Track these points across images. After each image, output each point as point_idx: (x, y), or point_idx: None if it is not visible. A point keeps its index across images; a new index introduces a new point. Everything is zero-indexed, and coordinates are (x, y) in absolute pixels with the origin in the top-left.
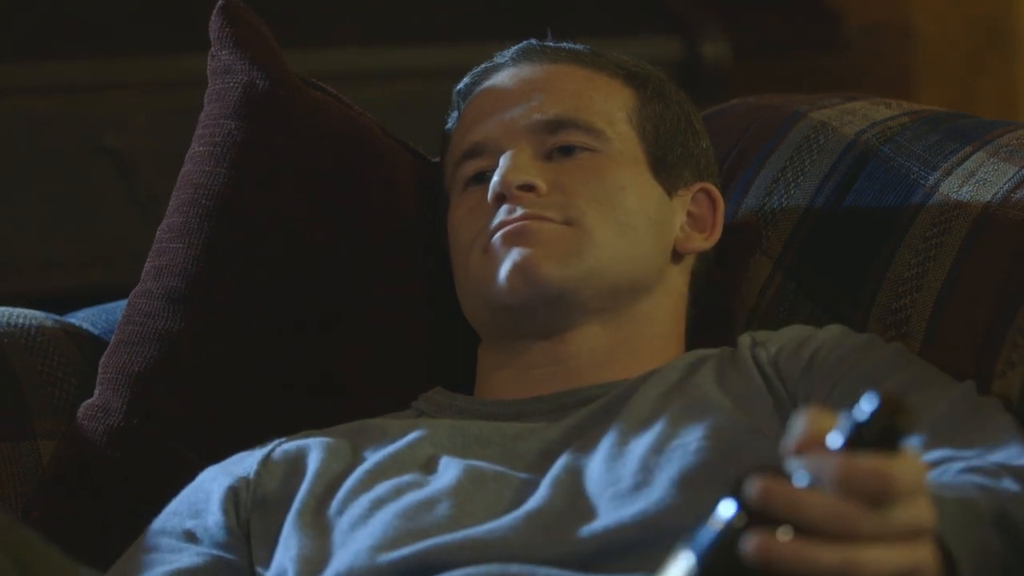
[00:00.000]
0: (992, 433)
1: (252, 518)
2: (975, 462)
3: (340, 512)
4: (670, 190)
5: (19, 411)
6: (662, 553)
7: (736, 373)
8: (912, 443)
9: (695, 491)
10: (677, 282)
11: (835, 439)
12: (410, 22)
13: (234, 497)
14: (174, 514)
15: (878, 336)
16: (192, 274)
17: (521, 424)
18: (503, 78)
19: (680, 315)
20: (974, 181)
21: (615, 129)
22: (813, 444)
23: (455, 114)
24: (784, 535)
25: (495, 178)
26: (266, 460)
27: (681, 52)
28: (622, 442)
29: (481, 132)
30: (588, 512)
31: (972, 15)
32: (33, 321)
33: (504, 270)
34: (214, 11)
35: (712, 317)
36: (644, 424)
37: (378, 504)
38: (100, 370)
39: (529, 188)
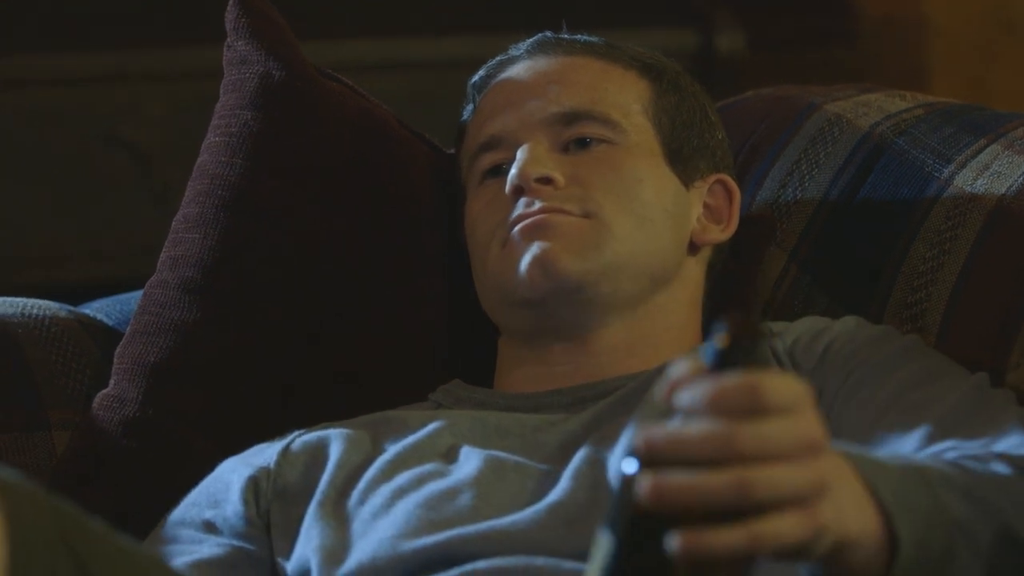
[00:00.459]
0: (1000, 425)
1: (272, 508)
2: (971, 451)
3: (361, 502)
4: (687, 182)
5: (33, 401)
6: None
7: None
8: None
9: None
10: (694, 273)
11: (701, 372)
12: (425, 13)
13: (254, 487)
14: (193, 505)
15: (894, 328)
16: (208, 264)
17: (541, 416)
18: (518, 71)
19: (697, 307)
20: (989, 174)
21: (631, 121)
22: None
23: (470, 107)
24: (674, 474)
25: (513, 170)
26: (286, 451)
27: (696, 44)
28: None
29: (497, 125)
30: None
31: (985, 6)
32: (47, 312)
33: (524, 264)
34: (230, 1)
35: (727, 310)
36: None
37: (400, 493)
38: (115, 360)
39: (547, 181)
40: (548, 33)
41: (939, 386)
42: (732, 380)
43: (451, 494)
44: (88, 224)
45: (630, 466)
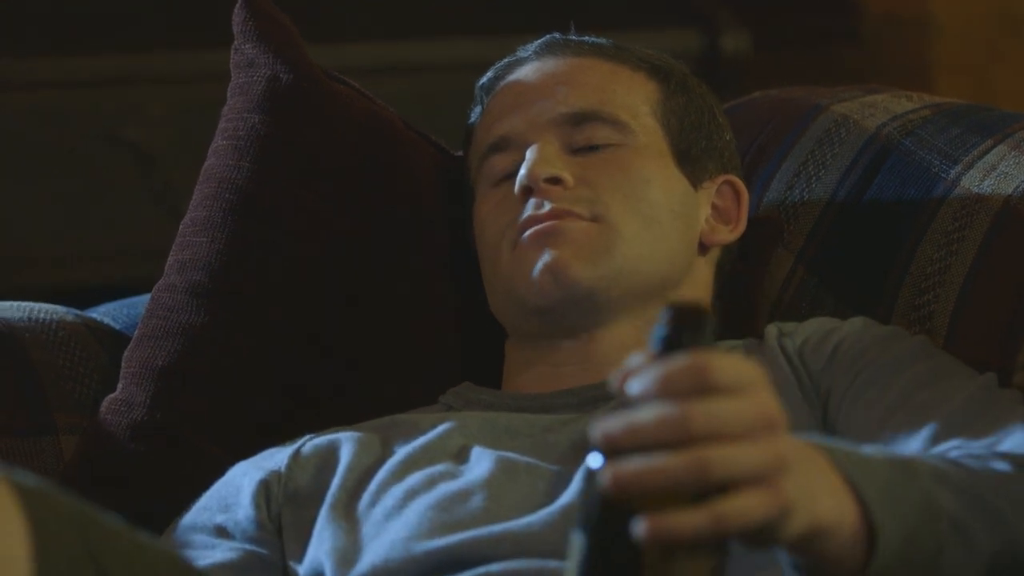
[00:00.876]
0: (1006, 425)
1: (283, 512)
2: (976, 450)
3: (373, 504)
4: (695, 183)
5: (40, 406)
6: None
7: (763, 361)
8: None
9: None
10: (703, 274)
11: (649, 360)
12: (432, 16)
13: (265, 491)
14: (204, 509)
15: (902, 329)
16: (216, 268)
17: (550, 416)
18: (526, 72)
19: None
20: (996, 175)
21: (640, 122)
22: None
23: (478, 109)
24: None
25: (522, 171)
26: (296, 455)
27: (701, 45)
28: None
29: (506, 126)
30: None
31: (990, 6)
32: (54, 316)
33: (535, 272)
34: (237, 4)
35: (734, 312)
36: None
37: (411, 495)
38: (123, 364)
39: (556, 181)
40: (556, 34)
41: (947, 386)
42: (678, 362)
43: (463, 496)
44: (89, 225)
45: (595, 461)
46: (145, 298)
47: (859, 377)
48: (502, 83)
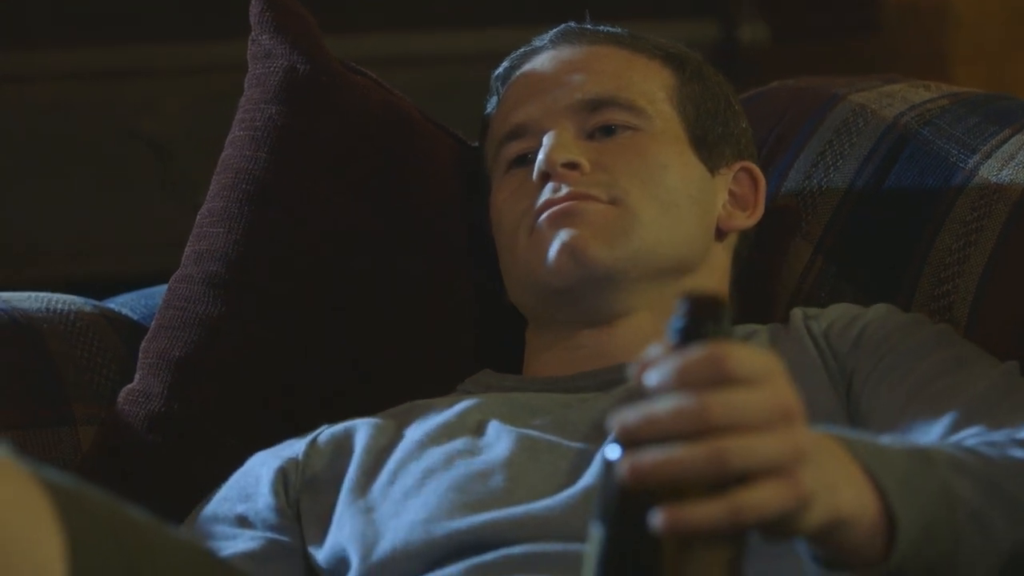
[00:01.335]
0: None
1: (302, 498)
2: (996, 438)
3: (391, 482)
4: (712, 168)
5: (58, 397)
6: None
7: (790, 343)
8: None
9: None
10: (721, 260)
11: (667, 351)
12: (449, 7)
13: (283, 478)
14: (224, 500)
15: (924, 316)
16: (233, 259)
17: (570, 395)
18: (542, 61)
19: (724, 292)
20: (1014, 164)
21: (656, 108)
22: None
23: (494, 99)
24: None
25: (540, 156)
26: (313, 443)
27: (718, 35)
28: None
29: (522, 114)
30: None
31: None
32: (72, 307)
33: (552, 251)
34: None
35: (753, 302)
36: None
37: (429, 474)
38: (141, 355)
39: (573, 166)
40: (572, 23)
41: (968, 373)
42: (695, 352)
43: (483, 475)
44: (106, 217)
45: (613, 452)
46: (162, 289)
47: (882, 361)
48: (518, 72)
